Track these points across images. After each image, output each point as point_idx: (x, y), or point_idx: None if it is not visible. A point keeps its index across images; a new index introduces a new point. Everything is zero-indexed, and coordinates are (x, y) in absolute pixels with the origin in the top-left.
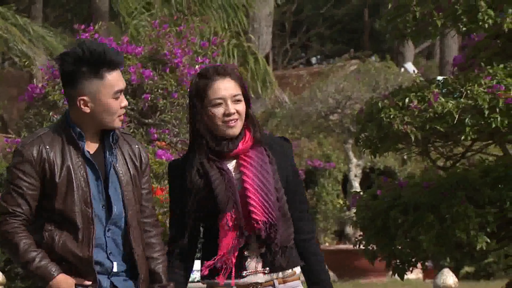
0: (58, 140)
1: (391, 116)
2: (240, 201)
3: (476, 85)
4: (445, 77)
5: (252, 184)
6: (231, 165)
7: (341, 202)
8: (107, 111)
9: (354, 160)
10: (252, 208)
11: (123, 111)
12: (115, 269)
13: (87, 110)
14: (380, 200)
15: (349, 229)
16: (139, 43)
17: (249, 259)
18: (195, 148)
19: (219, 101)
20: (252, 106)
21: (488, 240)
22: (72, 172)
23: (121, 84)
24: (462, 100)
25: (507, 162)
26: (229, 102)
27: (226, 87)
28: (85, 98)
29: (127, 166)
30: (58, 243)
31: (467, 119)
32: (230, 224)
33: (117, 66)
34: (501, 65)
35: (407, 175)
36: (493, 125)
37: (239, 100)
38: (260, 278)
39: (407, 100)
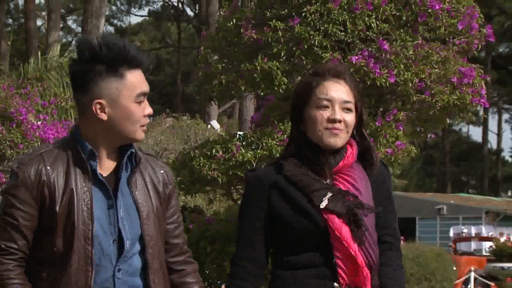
0: (63, 159)
1: (201, 164)
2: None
3: (270, 139)
4: (244, 132)
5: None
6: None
7: None
8: (129, 118)
9: None
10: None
11: (147, 120)
12: None
13: (104, 117)
14: (192, 233)
15: None
16: None
17: None
18: (289, 159)
19: (325, 102)
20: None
21: None
22: (75, 199)
23: (145, 87)
24: (259, 151)
25: None
26: (337, 107)
27: (337, 89)
28: (102, 101)
29: (149, 195)
30: None
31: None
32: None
33: (139, 65)
34: (290, 123)
35: (213, 212)
36: None
37: (349, 109)
38: None
39: (214, 150)
